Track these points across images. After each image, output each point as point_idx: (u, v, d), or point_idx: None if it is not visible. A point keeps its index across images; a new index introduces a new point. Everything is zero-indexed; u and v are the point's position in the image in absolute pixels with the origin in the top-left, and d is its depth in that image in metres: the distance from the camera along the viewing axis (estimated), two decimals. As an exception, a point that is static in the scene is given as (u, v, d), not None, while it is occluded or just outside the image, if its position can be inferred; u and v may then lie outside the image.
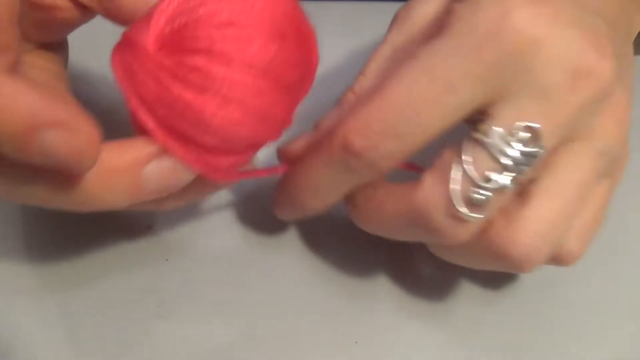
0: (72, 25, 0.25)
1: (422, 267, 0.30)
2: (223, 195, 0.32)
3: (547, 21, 0.21)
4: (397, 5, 0.47)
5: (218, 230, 0.31)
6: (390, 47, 0.27)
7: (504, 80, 0.22)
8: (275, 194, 0.28)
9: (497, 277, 0.30)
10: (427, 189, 0.23)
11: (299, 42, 0.23)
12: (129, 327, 0.28)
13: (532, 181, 0.23)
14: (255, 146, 0.24)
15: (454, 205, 0.22)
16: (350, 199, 0.26)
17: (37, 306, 0.28)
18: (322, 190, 0.25)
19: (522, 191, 0.23)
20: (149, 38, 0.22)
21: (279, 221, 0.30)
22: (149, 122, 0.22)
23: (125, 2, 0.24)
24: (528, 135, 0.22)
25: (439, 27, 0.23)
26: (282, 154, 0.28)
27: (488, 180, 0.22)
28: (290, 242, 0.31)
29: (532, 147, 0.22)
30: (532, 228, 0.22)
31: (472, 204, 0.22)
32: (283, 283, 0.29)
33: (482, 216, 0.22)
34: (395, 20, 0.27)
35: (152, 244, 0.31)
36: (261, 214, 0.32)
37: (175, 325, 0.28)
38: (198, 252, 0.30)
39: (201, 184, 0.24)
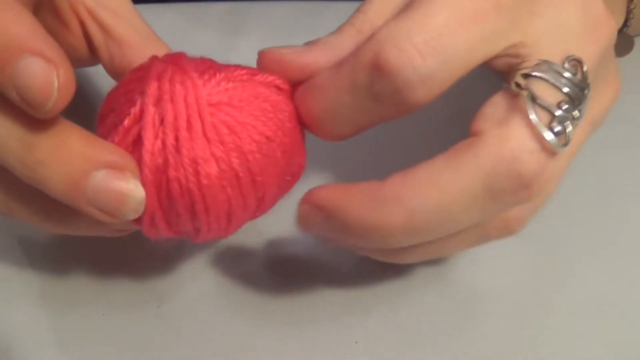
0: (78, 65, 0.26)
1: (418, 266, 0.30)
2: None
3: None
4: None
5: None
6: None
7: (538, 19, 0.21)
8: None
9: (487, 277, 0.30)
10: (500, 134, 0.20)
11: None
12: (129, 327, 0.28)
13: None
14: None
15: (543, 135, 0.20)
16: (362, 198, 0.22)
17: (37, 306, 0.28)
18: (340, 115, 0.22)
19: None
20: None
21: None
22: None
23: (127, 52, 0.24)
24: (572, 66, 0.21)
25: None
26: (266, 58, 0.25)
27: (561, 108, 0.21)
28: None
29: (581, 78, 0.21)
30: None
31: (555, 133, 0.20)
32: (283, 282, 0.29)
33: (565, 147, 0.21)
34: None
35: (152, 244, 0.30)
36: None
37: (175, 326, 0.28)
38: (198, 252, 0.30)
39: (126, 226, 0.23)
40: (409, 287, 0.30)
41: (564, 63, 0.21)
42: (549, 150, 0.20)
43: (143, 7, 0.45)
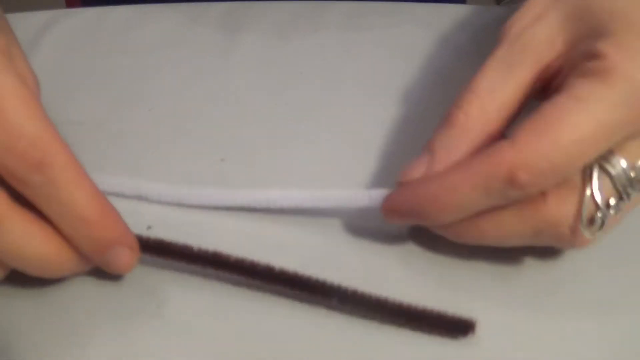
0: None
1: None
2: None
3: None
4: (397, 5, 0.47)
5: (218, 230, 0.31)
6: (501, 64, 0.28)
7: None
8: (392, 205, 0.28)
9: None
10: (556, 206, 0.25)
11: None
12: (129, 327, 0.28)
13: None
14: None
15: (582, 227, 0.25)
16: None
17: (37, 306, 0.28)
18: (466, 208, 0.26)
19: None
20: None
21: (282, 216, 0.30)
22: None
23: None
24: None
25: (586, 71, 0.25)
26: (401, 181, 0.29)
27: (608, 206, 0.25)
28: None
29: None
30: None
31: (592, 222, 0.25)
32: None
33: (595, 233, 0.26)
34: (504, 36, 0.29)
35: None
36: (262, 213, 0.32)
37: (175, 326, 0.28)
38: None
39: None
40: (410, 288, 0.30)
41: (635, 166, 0.25)
42: (579, 234, 0.26)
43: (143, 7, 0.45)
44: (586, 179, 0.25)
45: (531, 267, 0.30)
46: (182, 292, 0.29)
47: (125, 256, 0.27)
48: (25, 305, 0.28)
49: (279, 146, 0.35)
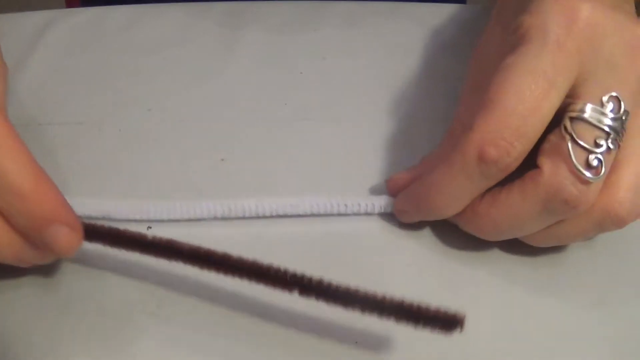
0: None
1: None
2: (219, 195, 0.32)
3: (602, 9, 0.27)
4: (397, 5, 0.47)
5: (218, 229, 0.31)
6: (472, 82, 0.32)
7: (583, 64, 0.27)
8: (400, 204, 0.31)
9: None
10: (551, 170, 0.27)
11: None
12: (129, 327, 0.28)
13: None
14: None
15: (580, 172, 0.26)
16: (467, 212, 0.29)
17: (37, 306, 0.28)
18: (459, 197, 0.28)
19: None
20: None
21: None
22: None
23: None
24: (612, 103, 0.27)
25: (513, 43, 0.28)
26: (392, 184, 0.32)
27: (598, 145, 0.26)
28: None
29: (619, 113, 0.26)
30: (630, 186, 0.27)
31: (591, 167, 0.26)
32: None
33: (602, 175, 0.26)
34: (471, 60, 0.33)
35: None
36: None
37: (175, 326, 0.28)
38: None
39: None
40: (409, 283, 0.30)
41: (605, 102, 0.26)
42: (585, 181, 0.26)
43: (143, 7, 0.45)
44: (565, 134, 0.26)
45: (530, 264, 0.30)
46: (182, 291, 0.29)
47: (64, 235, 0.25)
48: (25, 306, 0.28)
49: (279, 146, 0.35)
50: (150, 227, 0.31)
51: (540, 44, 0.27)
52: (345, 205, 0.31)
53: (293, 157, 0.35)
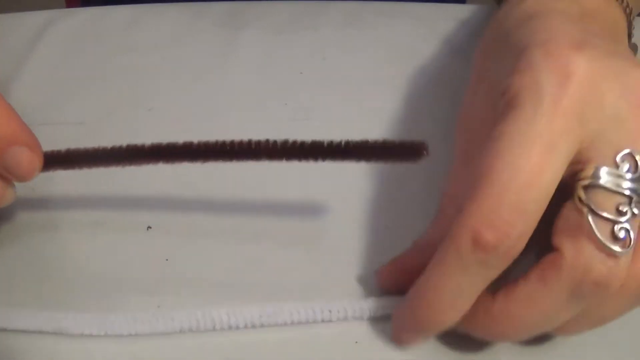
0: None
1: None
2: (219, 196, 0.32)
3: (599, 58, 0.24)
4: (397, 5, 0.47)
5: (218, 229, 0.31)
6: (462, 152, 0.29)
7: (586, 124, 0.23)
8: (397, 323, 0.27)
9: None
10: (574, 251, 0.23)
11: None
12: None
13: None
14: None
15: (607, 247, 0.23)
16: (479, 315, 0.25)
17: (35, 305, 0.28)
18: (460, 298, 0.24)
19: None
20: None
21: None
22: None
23: None
24: (627, 163, 0.23)
25: (502, 109, 0.24)
26: (381, 277, 0.29)
27: (621, 213, 0.23)
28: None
29: (637, 172, 0.23)
30: None
31: (618, 240, 0.23)
32: (284, 280, 0.29)
33: (631, 247, 0.23)
34: (457, 127, 0.30)
35: (152, 244, 0.31)
36: (262, 210, 0.32)
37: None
38: (198, 252, 0.30)
39: None
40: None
41: (619, 162, 0.23)
42: (614, 256, 0.23)
43: (143, 7, 0.45)
44: (582, 207, 0.23)
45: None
46: (182, 291, 0.29)
47: (26, 156, 0.26)
48: (24, 305, 0.28)
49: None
50: (150, 227, 0.31)
51: (533, 108, 0.23)
52: (330, 312, 0.28)
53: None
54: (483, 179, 0.23)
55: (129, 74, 0.39)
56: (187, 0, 0.45)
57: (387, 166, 0.33)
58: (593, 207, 0.23)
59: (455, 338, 0.27)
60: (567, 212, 0.24)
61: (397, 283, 0.28)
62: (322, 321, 0.28)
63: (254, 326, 0.27)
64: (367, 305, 0.28)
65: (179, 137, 0.36)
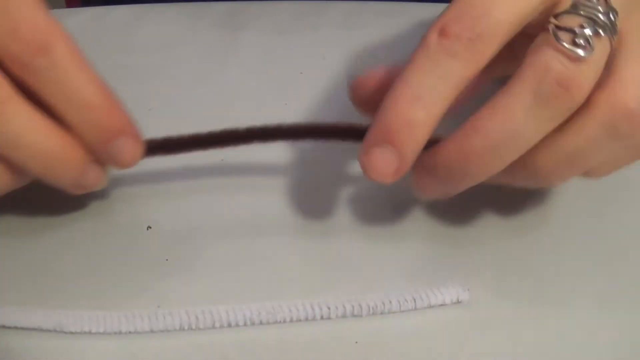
0: None
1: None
2: (219, 196, 0.32)
3: None
4: (397, 5, 0.47)
5: (218, 229, 0.31)
6: None
7: None
8: (371, 134, 0.26)
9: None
10: (534, 56, 0.24)
11: None
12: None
13: (614, 56, 0.25)
14: None
15: (567, 48, 0.24)
16: (461, 141, 0.25)
17: (35, 305, 0.28)
18: (429, 96, 0.25)
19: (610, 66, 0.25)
20: None
21: (283, 218, 0.30)
22: None
23: None
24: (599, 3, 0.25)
25: None
26: (356, 85, 0.29)
27: (584, 27, 0.24)
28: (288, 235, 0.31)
29: (606, 7, 0.25)
30: (634, 78, 0.25)
31: (578, 45, 0.24)
32: (284, 280, 0.29)
33: (591, 53, 0.24)
34: None
35: (152, 244, 0.31)
36: (262, 210, 0.32)
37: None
38: (198, 252, 0.30)
39: None
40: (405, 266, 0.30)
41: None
42: (574, 58, 0.24)
43: (143, 7, 0.45)
44: (549, 26, 0.25)
45: (530, 261, 0.30)
46: (182, 291, 0.29)
47: (129, 146, 0.27)
48: (24, 305, 0.28)
49: (279, 146, 0.35)
50: (150, 227, 0.31)
51: None
52: (329, 309, 0.28)
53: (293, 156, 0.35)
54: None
55: (129, 74, 0.39)
56: (187, 0, 0.45)
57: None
58: (558, 23, 0.24)
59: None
60: (537, 38, 0.25)
61: (369, 95, 0.28)
62: (322, 319, 0.28)
63: (253, 324, 0.28)
64: (367, 304, 0.28)
65: (179, 137, 0.36)
